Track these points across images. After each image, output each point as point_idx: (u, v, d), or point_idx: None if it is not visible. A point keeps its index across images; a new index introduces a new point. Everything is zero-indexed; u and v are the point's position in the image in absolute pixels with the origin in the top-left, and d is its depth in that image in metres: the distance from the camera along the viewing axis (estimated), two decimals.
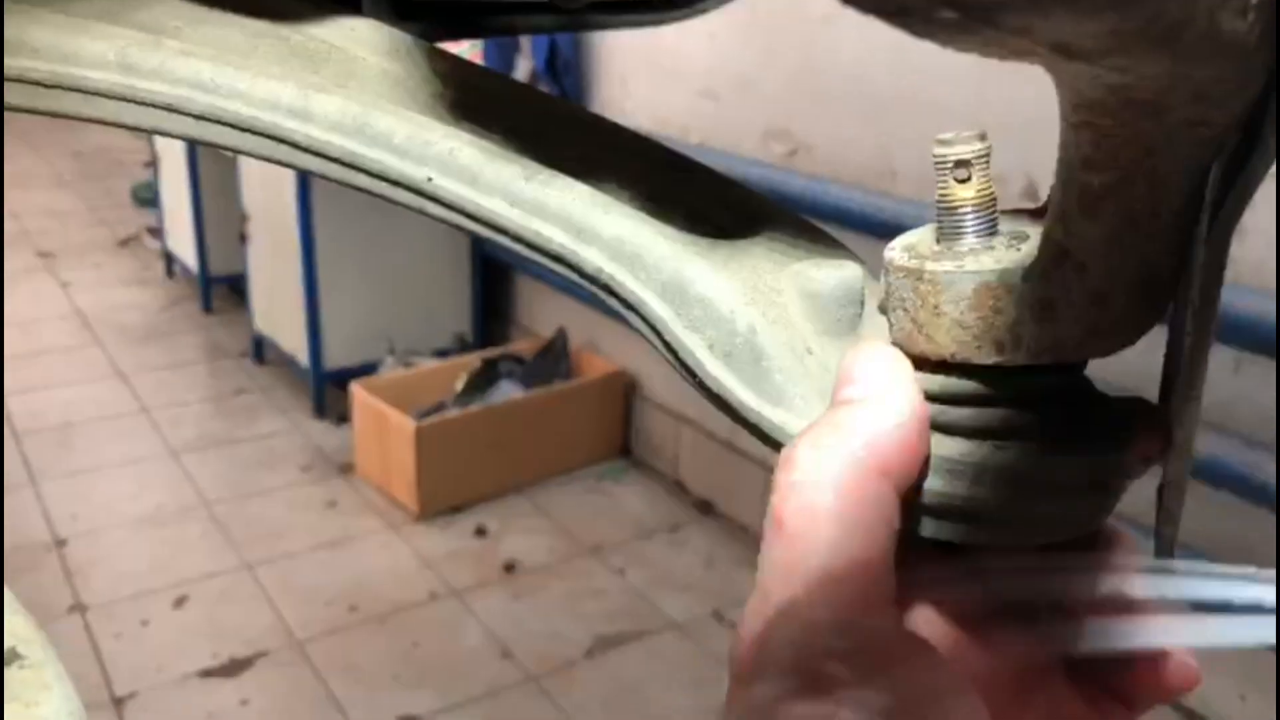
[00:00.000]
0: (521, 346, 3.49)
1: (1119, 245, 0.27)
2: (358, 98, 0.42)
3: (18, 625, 0.38)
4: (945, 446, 0.31)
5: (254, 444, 3.43)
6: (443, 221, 0.41)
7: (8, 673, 0.35)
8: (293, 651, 2.49)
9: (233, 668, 2.43)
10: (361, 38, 0.49)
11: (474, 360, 3.36)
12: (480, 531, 2.95)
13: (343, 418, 3.45)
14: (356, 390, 3.16)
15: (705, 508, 3.06)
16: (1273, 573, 0.26)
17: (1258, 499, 1.85)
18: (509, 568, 2.80)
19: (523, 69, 3.18)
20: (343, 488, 3.17)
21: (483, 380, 3.25)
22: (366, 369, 3.44)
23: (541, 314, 3.66)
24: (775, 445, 0.35)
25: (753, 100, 2.72)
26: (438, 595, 2.69)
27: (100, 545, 2.87)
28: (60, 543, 2.86)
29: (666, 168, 0.46)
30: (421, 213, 0.41)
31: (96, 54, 0.41)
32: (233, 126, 0.41)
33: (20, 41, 0.40)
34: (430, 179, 0.40)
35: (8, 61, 0.41)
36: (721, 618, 2.60)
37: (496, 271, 3.78)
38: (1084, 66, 0.20)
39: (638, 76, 3.10)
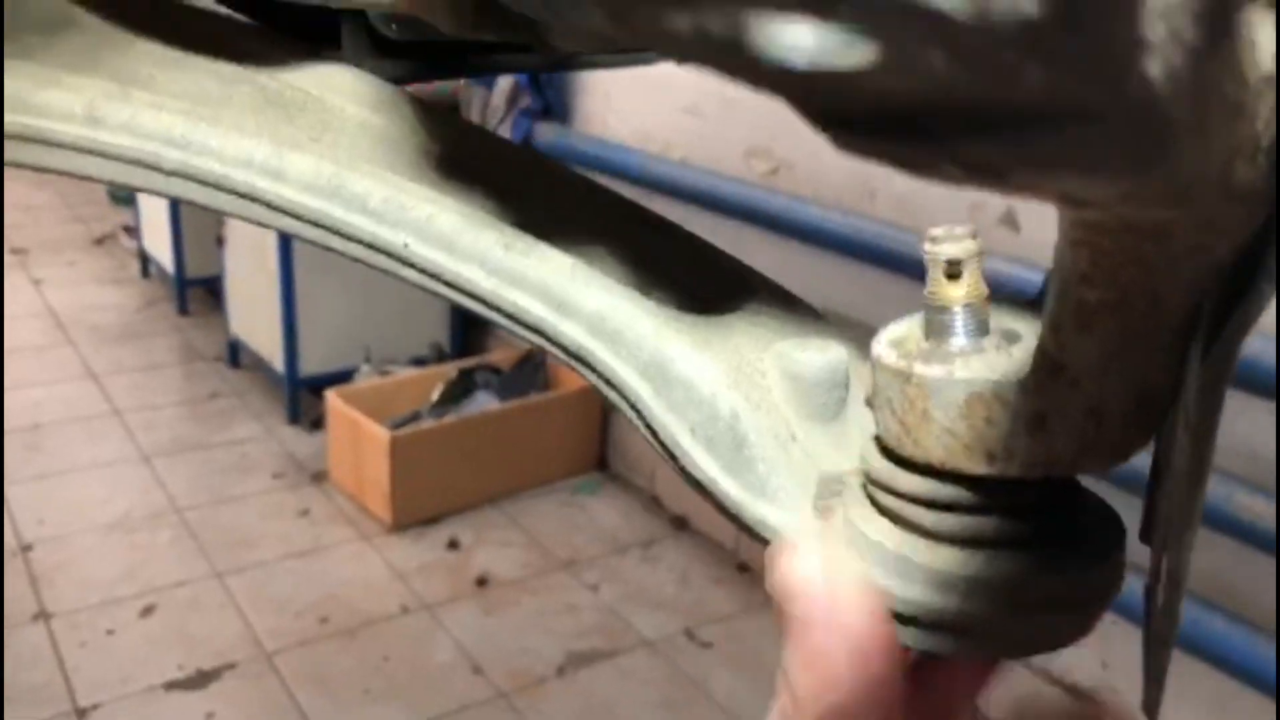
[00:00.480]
0: (498, 357, 3.47)
1: (1116, 362, 0.26)
2: (333, 155, 0.41)
3: None
4: (933, 557, 0.30)
5: (227, 449, 3.40)
6: (419, 287, 0.39)
7: None
8: (261, 663, 2.46)
9: (199, 679, 2.41)
10: (340, 86, 0.47)
11: (450, 370, 3.34)
12: (453, 544, 2.93)
13: (317, 424, 3.42)
14: (331, 398, 3.13)
15: (680, 524, 3.05)
16: None
17: (1258, 544, 1.86)
18: (481, 582, 2.78)
19: (505, 82, 3.17)
20: (316, 496, 3.14)
21: (459, 391, 3.24)
22: (342, 376, 3.41)
23: None
24: (756, 537, 0.34)
25: (735, 118, 2.72)
26: (409, 608, 2.67)
27: (67, 551, 2.83)
28: (26, 548, 2.82)
29: (646, 230, 0.45)
30: (397, 277, 0.40)
31: (64, 107, 0.39)
32: (204, 184, 0.40)
33: None
34: (406, 245, 0.39)
35: None
36: (694, 636, 2.59)
37: None
38: (1090, 211, 0.19)
39: (621, 91, 3.10)
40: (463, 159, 0.44)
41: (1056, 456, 0.28)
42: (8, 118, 0.39)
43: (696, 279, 0.40)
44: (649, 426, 0.36)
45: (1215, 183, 0.18)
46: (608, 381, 0.37)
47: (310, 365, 3.47)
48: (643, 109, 3.00)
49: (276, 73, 0.46)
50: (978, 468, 0.29)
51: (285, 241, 3.32)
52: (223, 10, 0.45)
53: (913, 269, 2.36)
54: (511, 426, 3.13)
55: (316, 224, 0.39)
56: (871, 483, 0.32)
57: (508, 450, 3.12)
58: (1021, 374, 0.28)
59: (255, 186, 0.39)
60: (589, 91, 3.19)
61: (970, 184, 0.18)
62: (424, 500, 2.99)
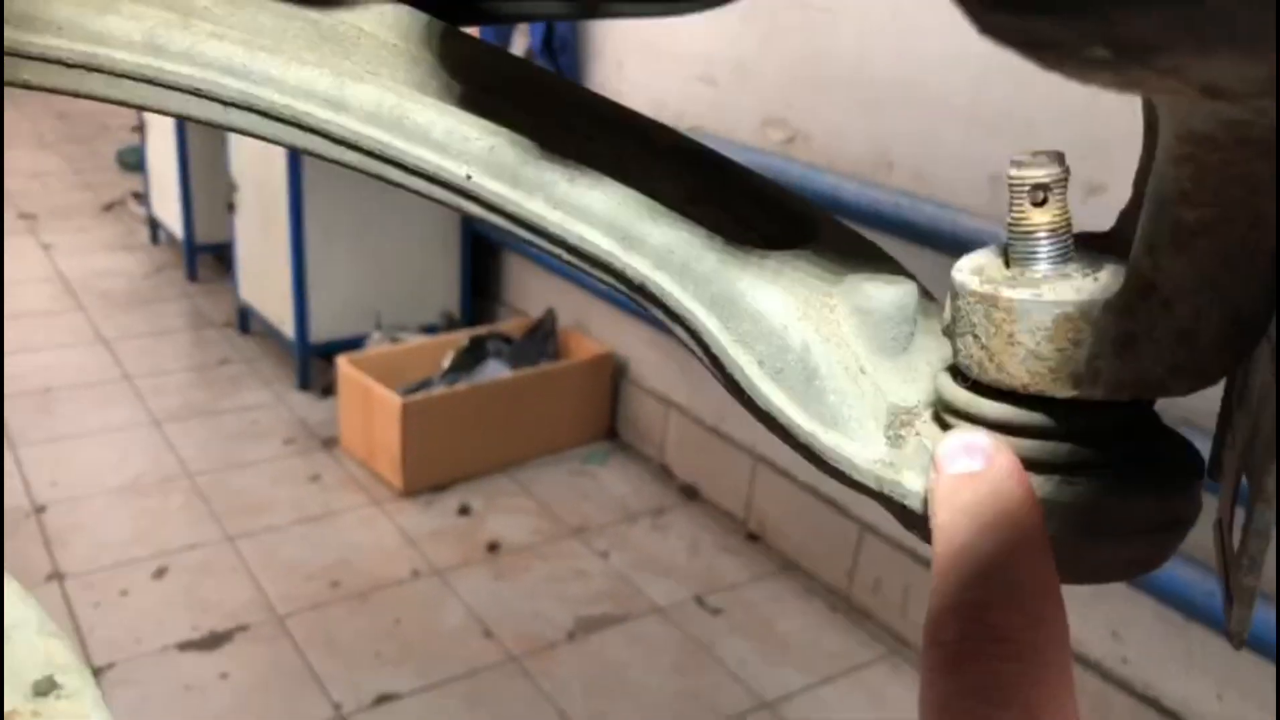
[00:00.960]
0: (509, 325, 3.47)
1: (1210, 284, 0.26)
2: (393, 88, 0.41)
3: (56, 652, 0.36)
4: None
5: (237, 415, 3.41)
6: (482, 220, 0.39)
7: (46, 703, 0.34)
8: (273, 626, 2.48)
9: (212, 641, 2.42)
10: (391, 23, 0.47)
11: (461, 338, 3.34)
12: (464, 510, 2.94)
13: (327, 390, 3.43)
14: (342, 364, 3.14)
15: (690, 492, 3.06)
16: None
17: None
18: (492, 547, 2.79)
19: (519, 45, 3.15)
20: (326, 462, 3.15)
21: (470, 358, 3.24)
22: (353, 343, 3.41)
23: (530, 293, 3.64)
24: (828, 468, 0.34)
25: (750, 86, 2.70)
26: (420, 573, 2.68)
27: (80, 513, 2.85)
28: (39, 509, 2.83)
29: (705, 167, 0.44)
30: (458, 210, 0.40)
31: (123, 33, 0.39)
32: (264, 114, 0.40)
33: (43, 17, 0.39)
34: (469, 176, 0.39)
35: (30, 38, 0.39)
36: (703, 603, 2.60)
37: (486, 249, 3.76)
38: (1222, 104, 0.19)
39: (634, 58, 3.08)
40: (521, 95, 0.44)
41: (1144, 378, 0.27)
42: (65, 44, 0.39)
43: (762, 215, 0.40)
44: (715, 360, 0.36)
45: None
46: (673, 315, 0.37)
47: (320, 332, 3.47)
48: (656, 77, 2.99)
49: (329, 10, 0.46)
50: (1064, 391, 0.28)
51: (296, 208, 3.31)
52: None
53: (930, 238, 2.35)
54: (522, 394, 3.13)
55: (378, 156, 0.39)
56: (949, 410, 0.32)
57: (518, 418, 3.12)
58: (1110, 296, 0.27)
59: (316, 116, 0.39)
60: (601, 58, 3.18)
61: (1112, 73, 0.17)
62: (435, 466, 3.00)
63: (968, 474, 0.29)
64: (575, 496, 3.04)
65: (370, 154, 0.39)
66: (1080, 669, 2.25)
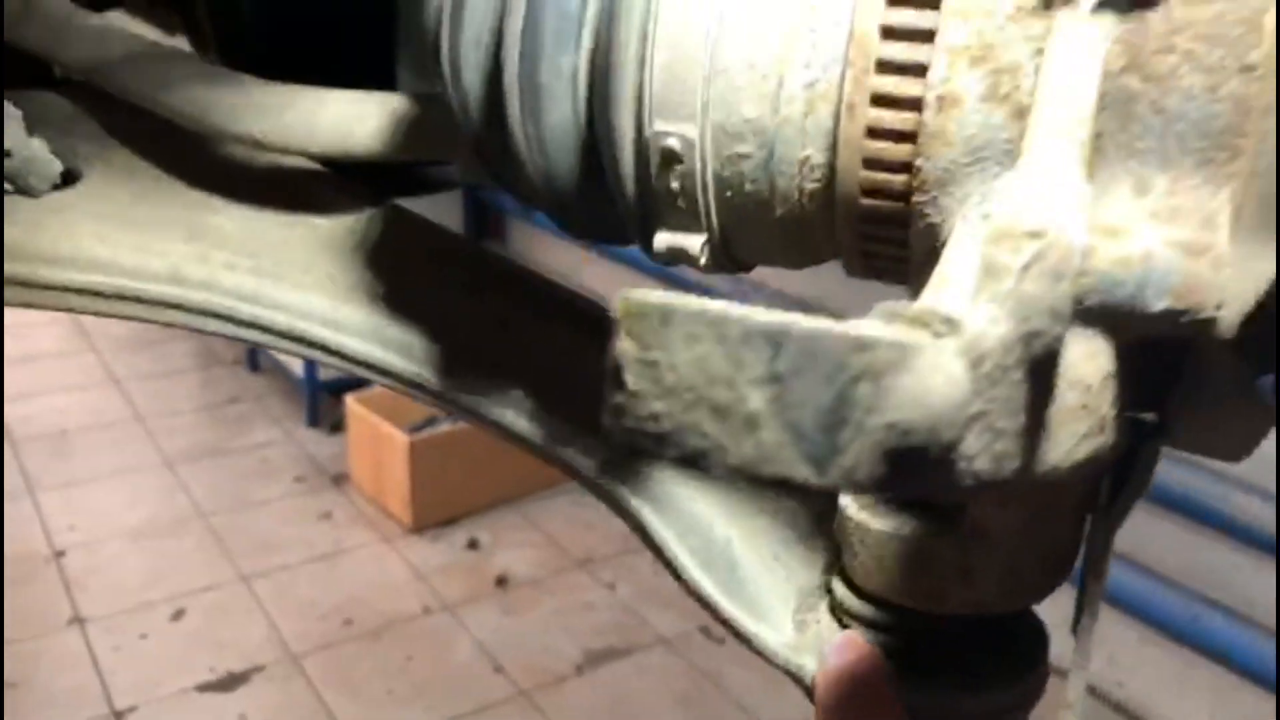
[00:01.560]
0: None
1: (1028, 530, 0.33)
2: (384, 306, 0.48)
3: None
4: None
5: (248, 454, 3.48)
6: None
7: None
8: (289, 666, 2.55)
9: (230, 682, 2.49)
10: (379, 224, 0.54)
11: None
12: (472, 544, 3.01)
13: (336, 427, 3.50)
14: (351, 404, 3.21)
15: None
16: None
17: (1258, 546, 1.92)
18: (500, 581, 2.86)
19: None
20: (337, 499, 3.22)
21: None
22: (360, 380, 3.48)
23: None
24: (748, 644, 0.41)
25: None
26: (430, 609, 2.75)
27: (98, 557, 2.92)
28: (59, 554, 2.91)
29: None
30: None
31: (151, 270, 0.46)
32: (269, 331, 0.46)
33: (87, 258, 0.46)
34: (453, 396, 0.45)
35: (71, 275, 0.46)
36: (709, 633, 2.66)
37: None
38: None
39: None
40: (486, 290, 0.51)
41: (981, 600, 0.34)
42: (105, 280, 0.46)
43: None
44: (656, 548, 0.43)
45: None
46: (621, 510, 0.44)
47: (328, 369, 3.53)
48: None
49: (329, 215, 0.53)
50: (919, 605, 0.35)
51: None
52: (289, 161, 0.52)
53: None
54: None
55: (369, 366, 0.46)
56: (838, 606, 0.38)
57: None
58: (951, 534, 0.34)
59: (317, 336, 0.46)
60: None
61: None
62: (443, 502, 3.07)
63: (839, 670, 0.35)
64: (580, 528, 3.11)
65: (362, 364, 0.46)
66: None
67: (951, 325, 0.20)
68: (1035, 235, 0.21)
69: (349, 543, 3.02)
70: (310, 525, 3.10)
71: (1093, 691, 2.26)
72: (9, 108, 0.41)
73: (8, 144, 0.40)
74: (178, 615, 2.70)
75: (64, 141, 0.48)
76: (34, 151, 0.40)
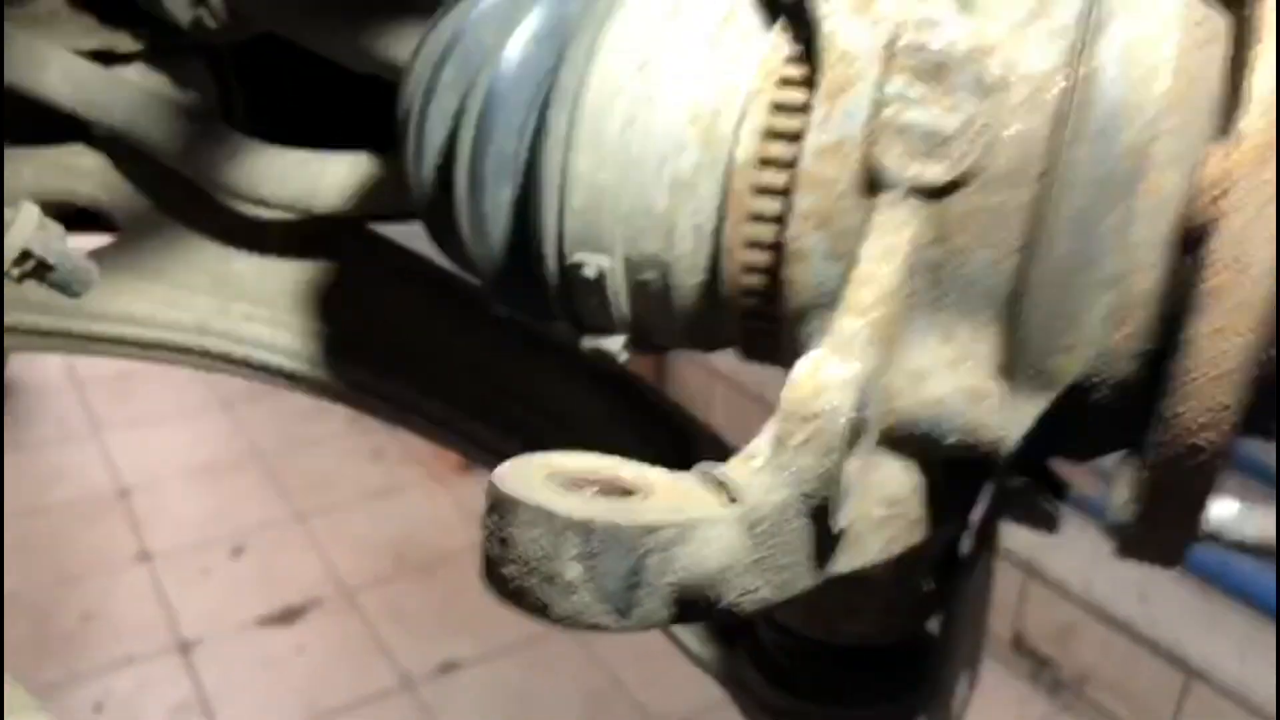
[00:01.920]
0: None
1: (899, 579, 0.38)
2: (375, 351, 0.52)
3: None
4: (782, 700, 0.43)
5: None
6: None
7: None
8: (344, 600, 2.66)
9: (288, 615, 2.61)
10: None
11: None
12: None
13: None
14: None
15: None
16: None
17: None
18: None
19: None
20: (387, 438, 3.31)
21: None
22: None
23: None
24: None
25: None
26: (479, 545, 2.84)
27: (162, 495, 3.05)
28: (124, 492, 3.04)
29: (613, 388, 0.56)
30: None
31: (183, 323, 0.51)
32: (284, 375, 0.52)
33: (129, 314, 0.51)
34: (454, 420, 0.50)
35: (105, 328, 0.51)
36: None
37: None
38: None
39: None
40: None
41: (866, 634, 0.40)
42: (143, 333, 0.51)
43: (666, 436, 0.52)
44: None
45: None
46: None
47: None
48: None
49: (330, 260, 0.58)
50: (819, 635, 0.41)
51: None
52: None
53: None
54: None
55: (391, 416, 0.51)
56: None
57: None
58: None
59: (322, 380, 0.51)
60: None
61: None
62: None
63: None
64: None
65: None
66: (1111, 630, 2.35)
67: (739, 493, 0.27)
68: (809, 419, 0.27)
69: (400, 480, 3.12)
70: (363, 463, 3.20)
71: (1125, 628, 2.30)
72: (49, 222, 0.46)
73: (53, 259, 0.45)
74: (237, 552, 2.83)
75: (104, 198, 0.53)
76: (75, 262, 0.45)
